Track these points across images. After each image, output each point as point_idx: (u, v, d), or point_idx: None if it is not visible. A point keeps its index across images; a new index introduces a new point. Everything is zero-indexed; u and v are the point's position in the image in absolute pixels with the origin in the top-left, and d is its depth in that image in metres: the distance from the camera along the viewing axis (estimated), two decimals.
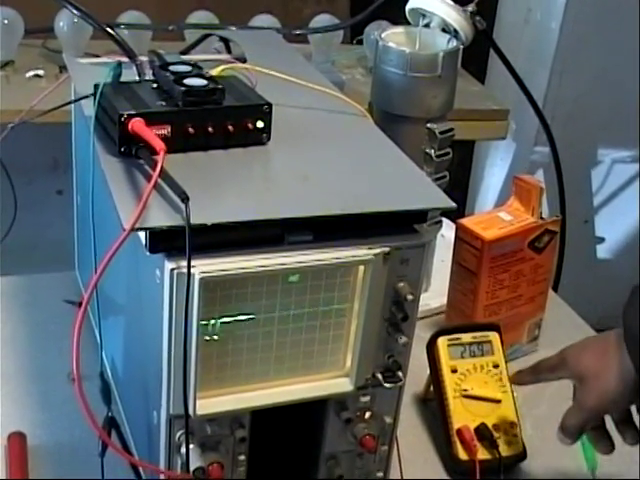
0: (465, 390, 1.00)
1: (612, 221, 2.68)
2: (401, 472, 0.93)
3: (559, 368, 0.94)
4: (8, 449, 0.95)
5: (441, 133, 1.15)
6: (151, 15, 1.86)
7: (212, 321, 0.76)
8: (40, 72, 1.79)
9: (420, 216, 0.82)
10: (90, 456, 0.89)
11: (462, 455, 0.98)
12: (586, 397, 0.89)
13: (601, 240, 2.72)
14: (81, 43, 1.79)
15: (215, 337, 0.77)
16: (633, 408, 0.91)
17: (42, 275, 1.28)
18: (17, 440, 0.96)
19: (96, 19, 1.02)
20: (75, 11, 1.01)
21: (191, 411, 0.77)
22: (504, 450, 0.99)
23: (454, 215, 1.17)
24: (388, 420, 0.89)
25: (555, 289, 1.44)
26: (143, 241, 0.73)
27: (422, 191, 0.84)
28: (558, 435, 0.92)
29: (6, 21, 1.79)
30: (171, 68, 0.87)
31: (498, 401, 1.01)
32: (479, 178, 2.66)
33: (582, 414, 0.90)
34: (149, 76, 0.90)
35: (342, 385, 0.84)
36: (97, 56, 1.20)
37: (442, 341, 1.01)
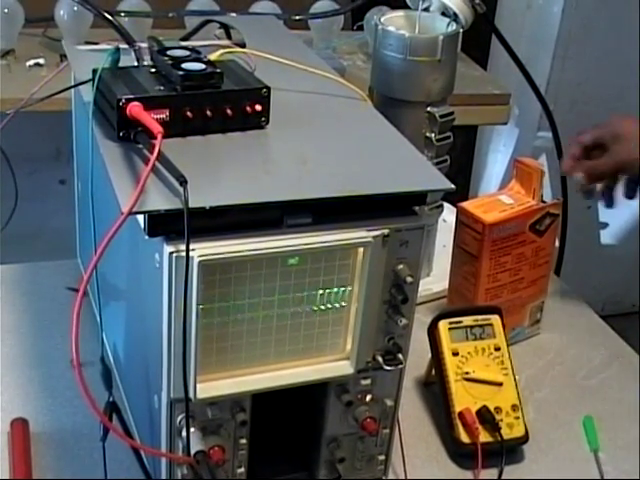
0: (467, 373, 1.00)
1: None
2: (403, 455, 0.94)
3: (602, 126, 1.15)
4: (11, 435, 0.95)
5: (441, 117, 1.15)
6: (151, 2, 1.86)
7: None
8: (41, 61, 1.79)
9: (419, 198, 0.82)
10: (92, 441, 0.90)
11: (464, 438, 0.98)
12: (620, 151, 1.13)
13: (604, 225, 2.72)
14: (81, 31, 1.80)
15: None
16: None
17: (44, 263, 1.28)
18: (20, 426, 0.96)
19: (96, 6, 1.02)
20: None
21: (192, 395, 0.77)
22: (506, 433, 0.99)
23: (456, 200, 1.17)
24: (389, 403, 0.89)
25: (558, 274, 1.44)
26: (142, 225, 0.73)
27: (421, 173, 0.84)
28: (577, 182, 1.15)
29: (6, 10, 1.79)
30: (169, 53, 0.87)
31: (500, 384, 1.01)
32: (482, 164, 2.65)
33: (611, 164, 1.13)
34: (147, 61, 0.90)
35: (343, 368, 0.84)
36: (97, 44, 1.20)
37: (443, 324, 1.01)
